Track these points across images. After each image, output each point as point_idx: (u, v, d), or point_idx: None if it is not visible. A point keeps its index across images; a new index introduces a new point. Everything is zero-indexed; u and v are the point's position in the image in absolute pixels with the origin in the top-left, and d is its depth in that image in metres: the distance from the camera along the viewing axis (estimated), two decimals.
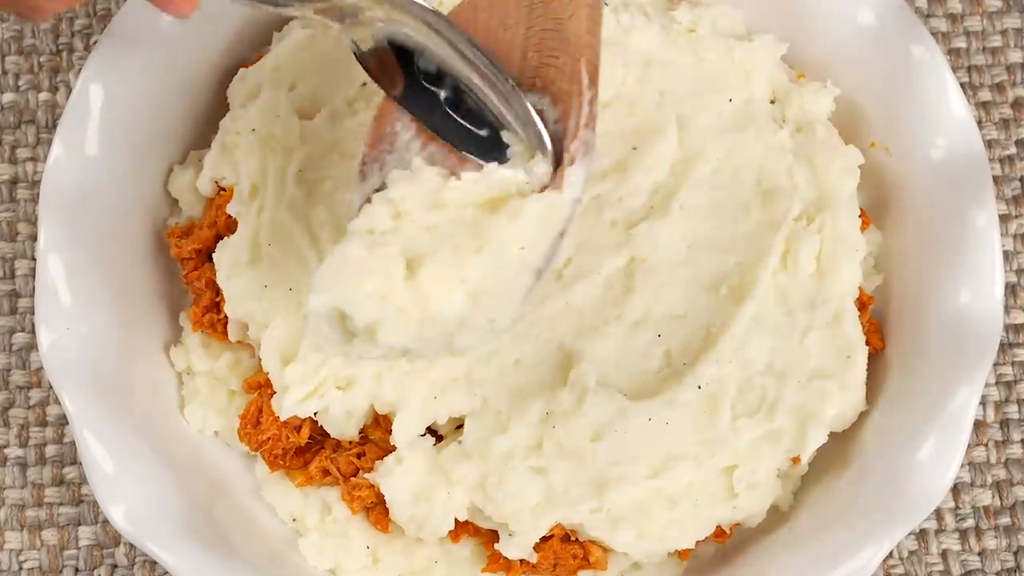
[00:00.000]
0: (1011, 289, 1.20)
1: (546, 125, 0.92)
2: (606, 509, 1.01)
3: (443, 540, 1.06)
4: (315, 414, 1.04)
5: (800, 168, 1.09)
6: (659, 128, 1.07)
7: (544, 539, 1.03)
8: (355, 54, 0.92)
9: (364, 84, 1.09)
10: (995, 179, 1.21)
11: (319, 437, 1.06)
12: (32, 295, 1.16)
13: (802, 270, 1.06)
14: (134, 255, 1.11)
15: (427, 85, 0.93)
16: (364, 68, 0.93)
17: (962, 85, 1.18)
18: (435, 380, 1.02)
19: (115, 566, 1.13)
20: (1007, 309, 1.19)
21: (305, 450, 1.07)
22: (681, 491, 1.02)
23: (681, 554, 1.07)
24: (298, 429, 1.05)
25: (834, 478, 1.07)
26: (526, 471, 1.01)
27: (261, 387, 1.07)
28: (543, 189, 0.91)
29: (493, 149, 0.93)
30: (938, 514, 1.15)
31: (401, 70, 0.93)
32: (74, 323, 1.05)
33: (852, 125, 1.14)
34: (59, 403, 1.14)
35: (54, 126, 1.22)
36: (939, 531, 1.15)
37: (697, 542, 1.04)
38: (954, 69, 1.21)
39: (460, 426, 1.03)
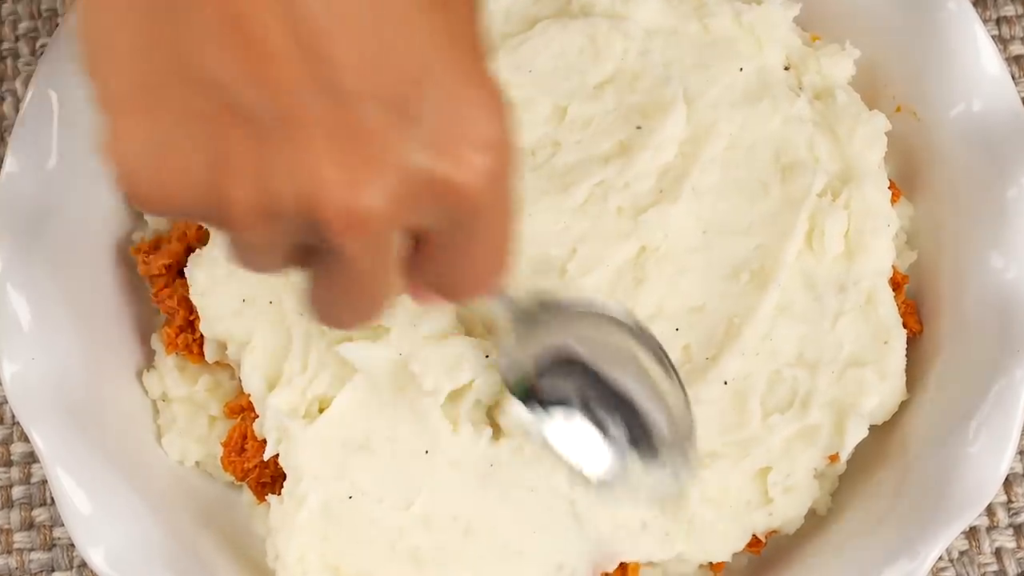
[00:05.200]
0: None
1: None
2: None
3: None
4: None
5: (821, 139, 1.08)
6: (665, 104, 1.06)
7: None
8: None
9: None
10: None
11: None
12: None
13: (829, 250, 1.05)
14: (99, 275, 1.11)
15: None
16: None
17: (991, 39, 1.16)
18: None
19: None
20: None
21: None
22: (714, 496, 1.01)
23: (714, 567, 1.05)
24: None
25: (875, 476, 1.06)
26: None
27: (244, 411, 1.05)
28: None
29: None
30: (989, 509, 1.14)
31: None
32: (38, 352, 1.04)
33: (875, 89, 1.13)
34: (25, 439, 1.14)
35: (1, 139, 1.21)
36: (991, 528, 1.13)
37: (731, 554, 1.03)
38: (983, 21, 1.19)
39: None
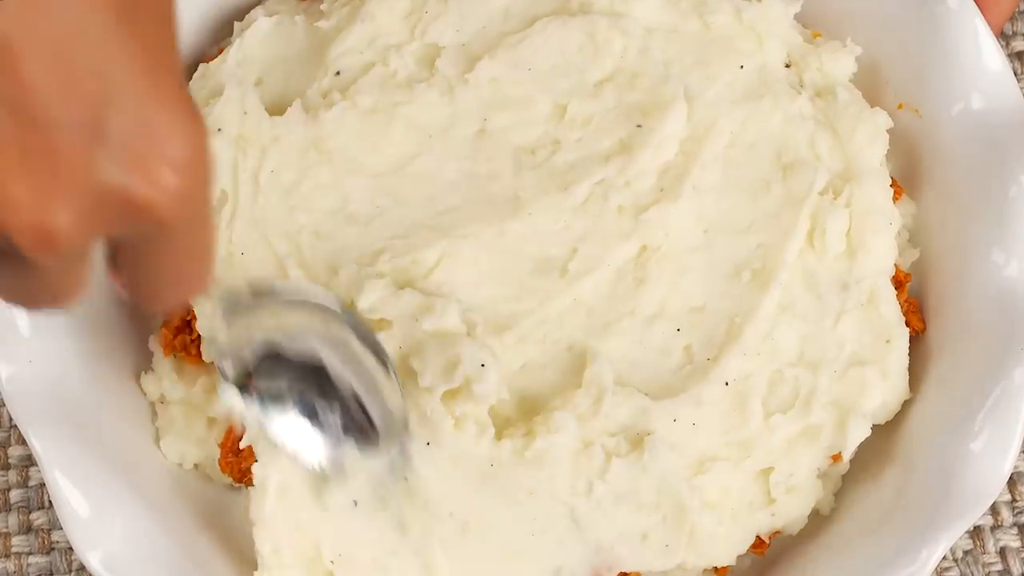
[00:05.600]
0: None
1: None
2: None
3: None
4: None
5: (823, 137, 1.08)
6: (665, 103, 1.06)
7: None
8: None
9: (338, 73, 1.08)
10: None
11: None
12: None
13: (831, 249, 1.05)
14: (95, 277, 1.08)
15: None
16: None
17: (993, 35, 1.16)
18: None
19: None
20: None
21: None
22: (715, 499, 1.01)
23: (719, 571, 1.05)
24: None
25: (879, 476, 1.06)
26: None
27: None
28: None
29: None
30: (993, 508, 1.14)
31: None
32: (35, 355, 1.03)
33: (876, 86, 1.13)
34: (22, 442, 1.14)
35: None
36: (995, 527, 1.13)
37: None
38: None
39: None
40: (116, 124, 0.67)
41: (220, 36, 1.15)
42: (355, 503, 0.98)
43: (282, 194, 1.05)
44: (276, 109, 1.08)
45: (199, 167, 0.70)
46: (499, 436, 0.99)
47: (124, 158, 0.68)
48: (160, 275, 0.74)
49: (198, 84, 1.10)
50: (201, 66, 1.11)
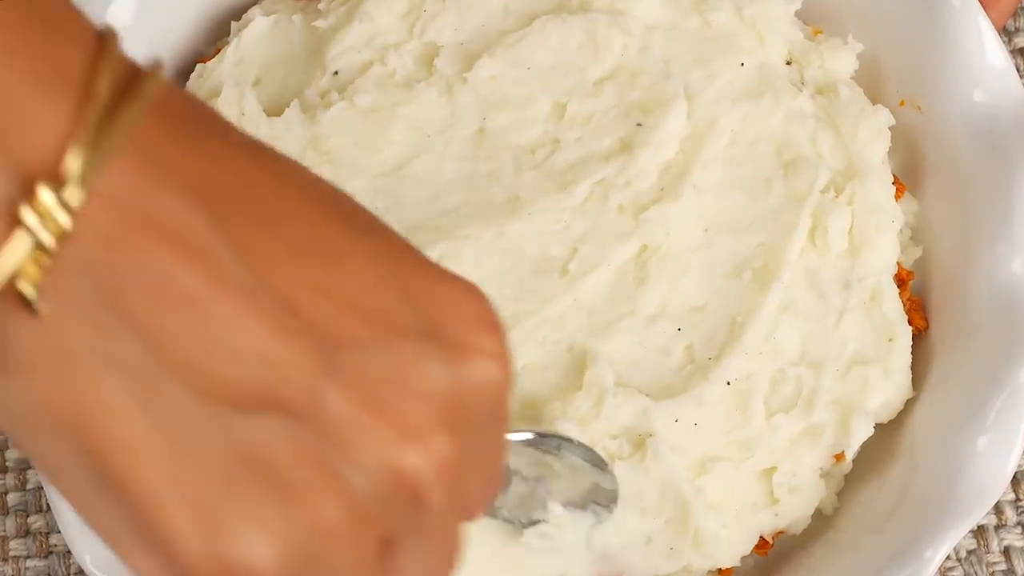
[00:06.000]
0: None
1: None
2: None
3: None
4: None
5: (824, 135, 1.07)
6: (665, 101, 1.05)
7: None
8: None
9: (336, 73, 1.08)
10: None
11: None
12: None
13: (833, 247, 1.04)
14: None
15: None
16: None
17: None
18: None
19: None
20: None
21: None
22: (719, 500, 1.01)
23: (723, 572, 1.04)
24: None
25: (882, 475, 1.05)
26: None
27: None
28: None
29: None
30: (997, 508, 1.13)
31: None
32: None
33: (878, 83, 1.12)
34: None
35: None
36: (999, 526, 1.12)
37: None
38: None
39: None
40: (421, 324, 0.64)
41: (217, 36, 1.15)
42: None
43: None
44: (274, 110, 1.08)
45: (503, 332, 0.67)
46: None
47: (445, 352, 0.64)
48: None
49: (195, 84, 1.09)
50: (198, 66, 1.10)
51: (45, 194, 0.55)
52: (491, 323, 0.66)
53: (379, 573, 0.63)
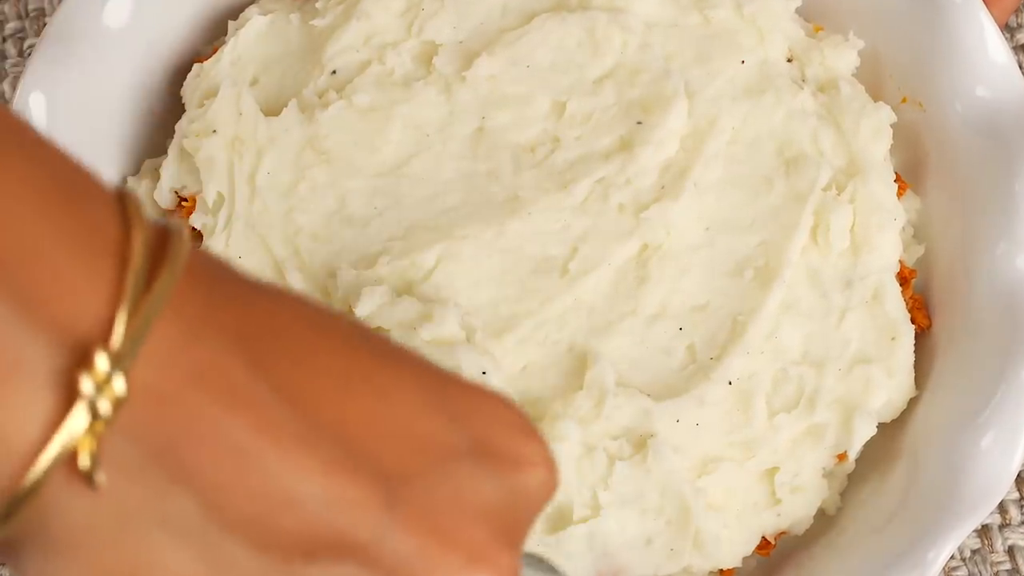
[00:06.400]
0: None
1: None
2: None
3: None
4: None
5: (826, 132, 1.07)
6: (666, 99, 1.05)
7: None
8: None
9: (334, 72, 1.07)
10: None
11: None
12: None
13: (835, 245, 1.04)
14: None
15: None
16: None
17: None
18: None
19: None
20: None
21: None
22: (720, 500, 1.00)
23: (725, 573, 1.04)
24: None
25: (885, 474, 1.05)
26: None
27: None
28: None
29: None
30: (1001, 507, 1.13)
31: None
32: None
33: (880, 80, 1.12)
34: None
35: None
36: (1003, 526, 1.13)
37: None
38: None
39: None
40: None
41: (214, 35, 1.14)
42: None
43: (279, 196, 1.04)
44: (271, 109, 1.07)
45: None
46: None
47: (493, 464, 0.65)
48: None
49: (192, 84, 1.09)
50: (195, 66, 1.10)
51: (102, 362, 0.55)
52: (531, 431, 0.67)
53: None
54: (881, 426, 1.04)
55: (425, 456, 0.61)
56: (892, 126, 1.08)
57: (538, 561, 0.89)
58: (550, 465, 0.66)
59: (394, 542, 0.60)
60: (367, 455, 0.59)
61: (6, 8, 1.23)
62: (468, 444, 0.63)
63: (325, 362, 0.61)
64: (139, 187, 1.10)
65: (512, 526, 0.64)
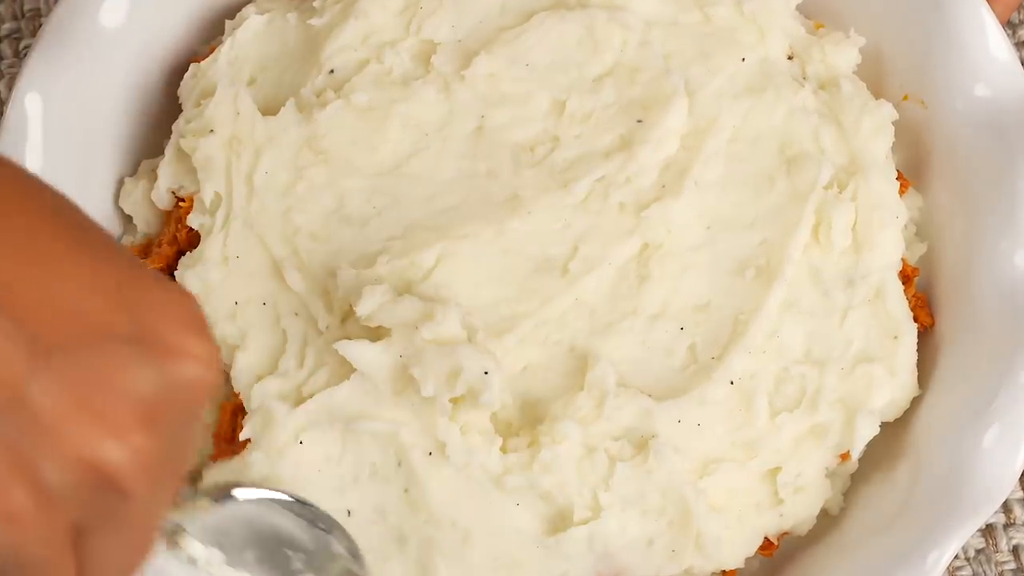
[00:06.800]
0: None
1: None
2: None
3: None
4: None
5: (827, 130, 1.07)
6: (666, 97, 1.05)
7: None
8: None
9: (332, 71, 1.08)
10: None
11: None
12: None
13: (836, 244, 1.04)
14: None
15: None
16: None
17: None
18: None
19: None
20: None
21: None
22: (722, 501, 1.00)
23: (727, 574, 1.04)
24: None
25: (888, 474, 1.06)
26: None
27: (239, 411, 1.04)
28: None
29: None
30: (1005, 506, 1.13)
31: None
32: None
33: (881, 78, 1.12)
34: None
35: None
36: (1008, 525, 1.13)
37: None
38: None
39: None
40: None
41: (211, 35, 1.15)
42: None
43: (277, 196, 1.04)
44: (269, 109, 1.07)
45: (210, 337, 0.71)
46: (502, 443, 0.98)
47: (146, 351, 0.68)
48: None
49: (189, 84, 1.10)
50: (192, 66, 1.10)
51: None
52: (201, 328, 0.70)
53: (70, 558, 0.67)
54: (884, 425, 1.05)
55: (81, 330, 0.66)
56: (894, 123, 1.08)
57: (301, 507, 0.93)
58: (210, 363, 0.70)
59: (32, 401, 0.64)
60: (22, 320, 0.64)
61: (2, 9, 1.24)
62: (130, 329, 0.67)
63: (9, 224, 0.65)
64: (136, 187, 1.10)
65: (156, 412, 0.67)
